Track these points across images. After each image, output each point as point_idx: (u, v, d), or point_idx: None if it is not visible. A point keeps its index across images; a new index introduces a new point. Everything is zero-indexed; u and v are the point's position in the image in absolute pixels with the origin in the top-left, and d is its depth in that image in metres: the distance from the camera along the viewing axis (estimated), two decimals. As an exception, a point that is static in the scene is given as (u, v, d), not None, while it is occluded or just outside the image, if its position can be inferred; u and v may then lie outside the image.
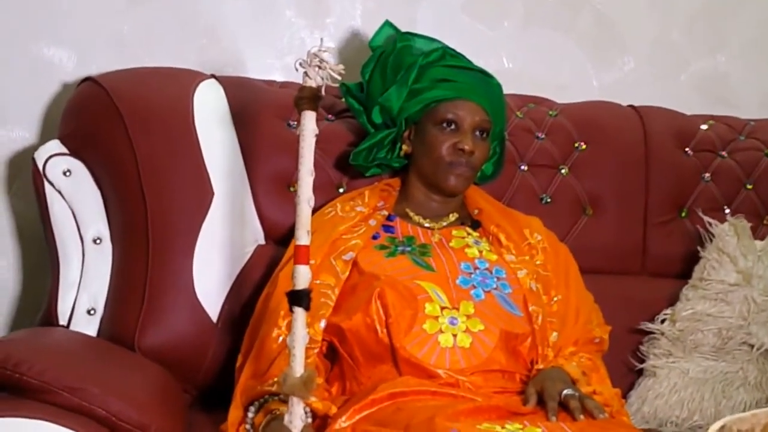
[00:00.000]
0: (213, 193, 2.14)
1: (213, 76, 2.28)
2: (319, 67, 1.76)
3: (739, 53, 2.71)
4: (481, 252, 2.09)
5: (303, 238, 1.79)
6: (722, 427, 1.24)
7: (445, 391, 1.89)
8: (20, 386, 1.70)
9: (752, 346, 2.25)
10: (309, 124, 1.77)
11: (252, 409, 1.89)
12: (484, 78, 2.20)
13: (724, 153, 2.48)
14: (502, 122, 2.24)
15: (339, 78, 1.75)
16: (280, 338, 1.94)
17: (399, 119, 2.16)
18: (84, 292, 2.12)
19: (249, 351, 1.99)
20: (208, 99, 2.21)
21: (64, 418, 1.63)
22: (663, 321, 2.30)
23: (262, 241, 2.23)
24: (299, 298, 1.78)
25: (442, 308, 1.97)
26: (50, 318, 2.11)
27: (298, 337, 1.78)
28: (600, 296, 2.20)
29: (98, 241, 2.15)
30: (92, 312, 2.12)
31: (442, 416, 1.74)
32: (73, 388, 1.69)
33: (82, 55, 2.35)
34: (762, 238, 2.35)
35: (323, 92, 1.76)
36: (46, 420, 1.62)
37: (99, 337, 2.11)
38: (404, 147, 2.17)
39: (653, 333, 2.30)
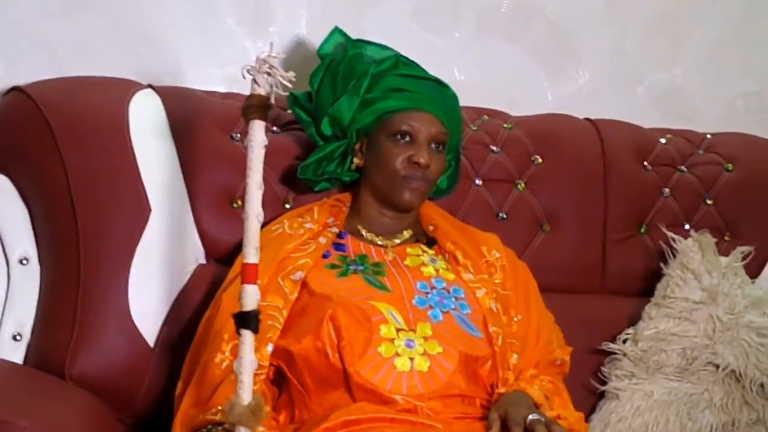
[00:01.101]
0: (150, 210, 2.03)
1: (150, 86, 2.17)
2: (269, 74, 1.67)
3: (696, 66, 2.67)
4: (437, 271, 2.00)
5: (251, 255, 1.69)
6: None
7: (403, 418, 1.78)
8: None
9: (718, 366, 2.18)
10: (258, 134, 1.69)
11: (193, 441, 1.77)
12: (440, 88, 2.11)
13: (683, 167, 2.43)
14: (458, 134, 2.15)
15: (290, 85, 1.69)
16: (224, 364, 1.83)
17: (350, 131, 2.06)
18: (9, 317, 2.00)
19: (190, 378, 1.87)
20: (144, 110, 2.11)
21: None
22: (625, 341, 2.22)
23: (203, 261, 2.12)
24: (247, 321, 1.68)
25: (398, 330, 1.88)
26: (-28, 347, 1.97)
27: (246, 362, 1.68)
28: (559, 315, 2.13)
29: (25, 262, 2.04)
30: (18, 338, 1.99)
31: (402, 445, 1.63)
32: (1, 421, 1.55)
33: (8, 63, 2.22)
34: (723, 255, 2.28)
35: (273, 100, 1.68)
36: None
37: (26, 364, 1.98)
38: (355, 160, 2.07)
39: (615, 353, 2.22)
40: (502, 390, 1.92)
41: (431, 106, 2.03)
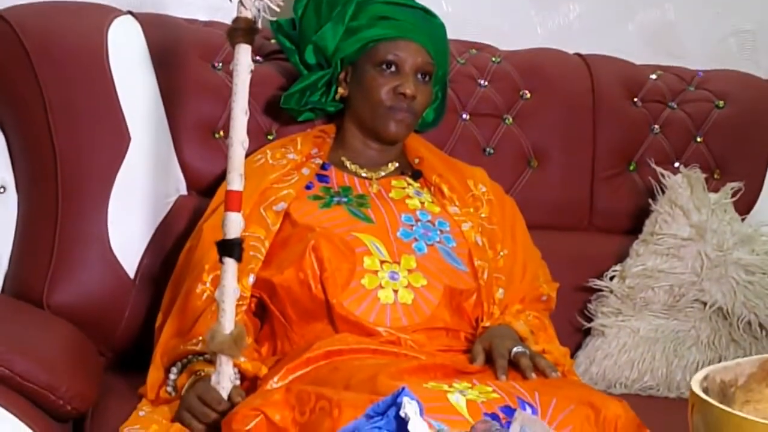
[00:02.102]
0: (130, 139, 1.98)
1: (130, 12, 2.11)
2: (256, -4, 1.63)
3: (688, 2, 2.61)
4: (422, 203, 1.97)
5: (235, 182, 1.67)
6: (705, 377, 1.12)
7: (386, 350, 1.76)
8: None
9: (705, 304, 2.16)
10: (243, 58, 1.66)
11: (174, 370, 1.75)
12: (427, 17, 2.05)
13: (673, 104, 2.38)
14: (446, 65, 2.10)
15: (277, 9, 1.67)
16: (205, 294, 1.81)
17: (334, 60, 2.01)
18: (-13, 246, 1.96)
19: (170, 309, 1.85)
20: (123, 37, 2.05)
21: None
22: (612, 278, 2.19)
23: (184, 192, 2.07)
24: (230, 248, 1.67)
25: (382, 262, 1.84)
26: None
27: (228, 290, 1.66)
28: (546, 252, 2.10)
29: (2, 190, 1.99)
30: (-6, 267, 1.96)
31: (385, 374, 1.60)
32: (-28, 346, 1.52)
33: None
34: (712, 192, 2.25)
35: (259, 25, 1.64)
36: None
37: (3, 293, 1.94)
38: (340, 90, 2.02)
39: (601, 291, 2.20)
40: (486, 324, 1.89)
41: (418, 35, 1.98)
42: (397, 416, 1.26)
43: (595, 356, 2.15)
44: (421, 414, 1.27)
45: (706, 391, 1.08)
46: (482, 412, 1.49)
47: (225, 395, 1.65)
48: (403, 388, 1.28)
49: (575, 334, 2.20)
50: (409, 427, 1.24)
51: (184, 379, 1.72)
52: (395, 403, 1.27)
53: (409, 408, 1.25)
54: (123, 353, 1.98)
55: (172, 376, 1.74)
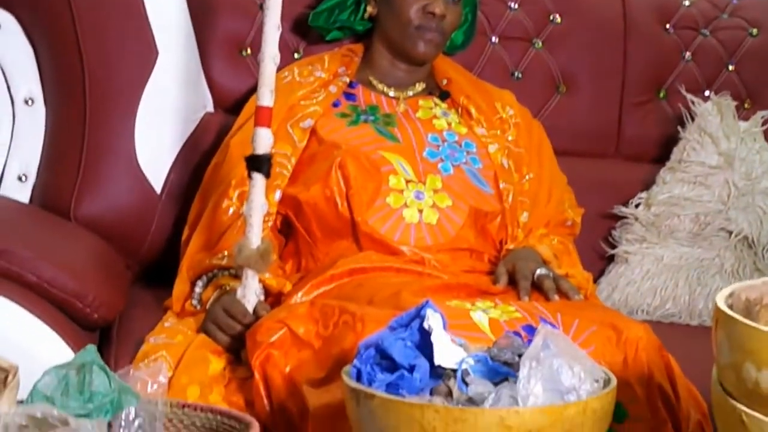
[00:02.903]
0: (157, 53, 1.98)
1: (160, -75, 2.09)
2: None
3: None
4: (449, 124, 1.95)
5: (266, 98, 1.66)
6: (731, 295, 1.11)
7: (409, 268, 1.76)
8: (-64, 247, 1.53)
9: (730, 233, 2.14)
10: None
11: (200, 283, 1.77)
12: (458, -66, 2.02)
13: (706, 31, 2.34)
14: (476, -14, 2.07)
15: None
16: (231, 210, 1.81)
17: (363, -23, 1.99)
18: (14, 157, 1.97)
19: (196, 223, 1.86)
20: (152, -51, 2.03)
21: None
22: (637, 205, 2.18)
23: (211, 109, 2.08)
24: (259, 164, 1.67)
25: (408, 182, 1.84)
26: (-23, 184, 1.95)
27: (256, 205, 1.66)
28: (572, 178, 2.09)
29: (30, 102, 1.99)
30: (24, 179, 1.97)
31: (408, 291, 1.61)
32: (2, 251, 1.53)
33: None
34: (743, 121, 2.22)
35: None
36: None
37: (31, 205, 1.96)
38: (369, 8, 2.00)
39: (626, 218, 2.18)
40: (510, 246, 1.89)
41: (449, -48, 1.95)
42: (421, 328, 1.27)
43: (618, 283, 2.14)
44: (444, 327, 1.28)
45: (730, 308, 1.08)
46: (504, 330, 1.50)
47: (250, 309, 1.66)
48: (427, 301, 1.29)
49: (599, 260, 2.19)
50: (432, 338, 1.25)
51: (209, 293, 1.73)
52: (419, 316, 1.28)
53: (433, 320, 1.26)
54: (149, 267, 2.00)
55: (197, 290, 1.75)
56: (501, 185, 1.92)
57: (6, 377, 0.92)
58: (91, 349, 1.02)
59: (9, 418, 0.87)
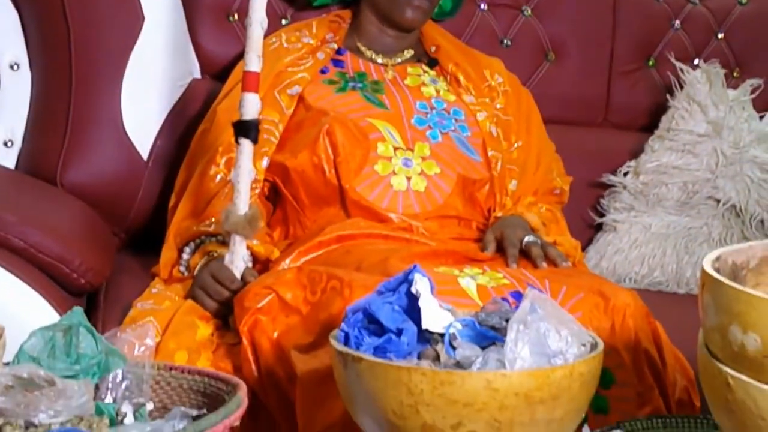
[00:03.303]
0: (143, 18, 1.96)
1: None
2: None
3: None
4: (438, 91, 1.95)
5: (253, 63, 1.65)
6: (717, 259, 1.11)
7: (397, 235, 1.76)
8: None
9: (718, 201, 2.15)
10: None
11: (187, 250, 1.76)
12: None
13: (695, -1, 2.34)
14: (465, -48, 2.06)
15: None
16: (218, 177, 1.81)
17: (352, -58, 1.97)
18: (0, 122, 1.95)
19: (183, 190, 1.85)
20: None
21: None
22: (626, 174, 2.19)
23: (198, 75, 2.07)
24: (247, 129, 1.66)
25: (396, 149, 1.84)
26: (-38, 150, 1.93)
27: (244, 171, 1.65)
28: (560, 147, 2.09)
29: (15, 67, 1.98)
30: (9, 144, 1.96)
31: (396, 258, 1.61)
32: (-16, 215, 1.52)
33: None
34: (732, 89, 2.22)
35: None
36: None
37: (17, 171, 1.95)
38: (356, -26, 1.98)
39: (615, 186, 2.19)
40: (498, 214, 1.89)
41: None
42: (408, 292, 1.26)
43: (606, 251, 2.15)
44: (432, 291, 1.27)
45: (717, 271, 1.08)
46: (492, 296, 1.50)
47: (238, 275, 1.66)
48: (415, 266, 1.28)
49: (587, 229, 2.20)
50: (420, 302, 1.24)
51: (197, 259, 1.73)
52: (406, 280, 1.27)
53: (421, 284, 1.25)
54: (136, 234, 1.99)
55: (185, 256, 1.75)
56: (489, 153, 1.91)
57: (-8, 338, 0.91)
58: (78, 311, 1.02)
59: (-5, 379, 0.87)
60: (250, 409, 1.09)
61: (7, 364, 0.96)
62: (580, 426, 1.25)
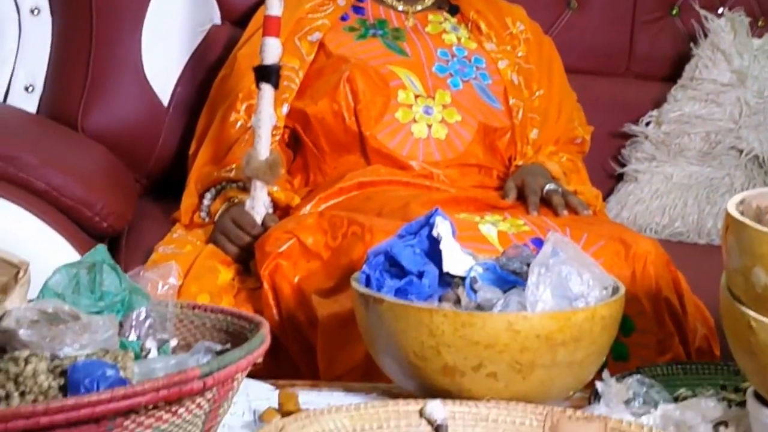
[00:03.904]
0: (164, -37, 1.95)
1: None
2: None
3: None
4: (459, 39, 1.93)
5: (274, 7, 1.65)
6: (741, 202, 1.11)
7: (418, 182, 1.76)
8: (-57, 153, 1.53)
9: (741, 151, 2.13)
10: None
11: (208, 196, 1.77)
12: None
13: (721, -55, 2.31)
14: None
15: None
16: (239, 123, 1.81)
17: None
18: (21, 68, 1.95)
19: (204, 136, 1.85)
20: None
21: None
22: (648, 123, 2.17)
23: (218, 21, 2.06)
24: (268, 74, 1.66)
25: (417, 96, 1.83)
26: (-17, 94, 1.94)
27: (265, 116, 1.65)
28: (582, 96, 2.07)
29: (36, 12, 1.97)
30: (30, 89, 1.96)
31: (417, 203, 1.60)
32: (9, 157, 1.55)
33: None
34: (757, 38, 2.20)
35: None
36: (-21, 189, 1.45)
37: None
38: None
39: (636, 136, 2.17)
40: (519, 162, 1.89)
41: None
42: (430, 236, 1.26)
43: (627, 201, 2.14)
44: (453, 235, 1.28)
45: (741, 214, 1.07)
46: (513, 242, 1.50)
47: (259, 220, 1.66)
48: (436, 209, 1.28)
49: (608, 179, 2.19)
50: (441, 246, 1.25)
51: (217, 205, 1.73)
52: (428, 224, 1.28)
53: (442, 228, 1.25)
54: (157, 180, 2.00)
55: (206, 202, 1.75)
56: (511, 101, 1.90)
57: (17, 273, 0.92)
58: (102, 249, 1.02)
59: (20, 313, 0.88)
60: (270, 353, 1.10)
61: (30, 301, 0.97)
62: (600, 372, 1.24)
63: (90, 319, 0.89)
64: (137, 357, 0.93)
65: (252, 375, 1.07)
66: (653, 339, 1.52)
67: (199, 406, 0.87)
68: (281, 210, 1.74)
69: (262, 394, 1.19)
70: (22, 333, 0.86)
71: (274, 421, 1.02)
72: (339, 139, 1.81)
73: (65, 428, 0.79)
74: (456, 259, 1.25)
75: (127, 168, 1.91)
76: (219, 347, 0.97)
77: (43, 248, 1.51)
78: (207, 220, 1.74)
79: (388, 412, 1.08)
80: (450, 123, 1.83)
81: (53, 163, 1.59)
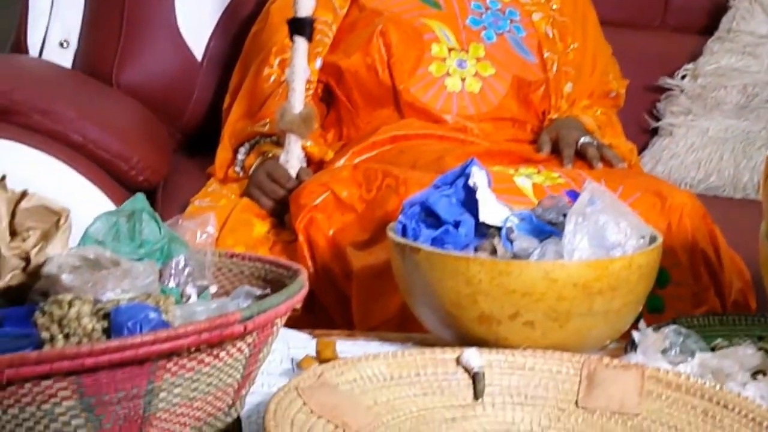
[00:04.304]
0: None
1: None
2: None
3: None
4: (492, -10, 1.91)
5: (308, -43, 1.63)
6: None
7: (452, 136, 1.75)
8: (-14, 106, 1.54)
9: (778, 104, 2.11)
10: None
11: (242, 150, 1.77)
12: None
13: None
14: None
15: None
16: (272, 78, 1.80)
17: None
18: (56, 22, 1.96)
19: (237, 91, 1.85)
20: None
21: (37, 141, 1.48)
22: (683, 77, 2.14)
23: (251, -24, 2.04)
24: (302, 27, 1.65)
25: (450, 50, 1.81)
26: (19, 50, 1.95)
27: (299, 69, 1.65)
28: (617, 50, 2.05)
29: (69, -33, 1.98)
30: (65, 44, 1.96)
31: (451, 156, 1.60)
32: (46, 111, 1.55)
33: None
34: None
35: None
36: (17, 141, 1.46)
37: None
38: None
39: (672, 90, 2.15)
40: (554, 116, 1.88)
41: None
42: (466, 186, 1.26)
43: (662, 156, 2.12)
44: (489, 185, 1.27)
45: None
46: (548, 194, 1.49)
47: (293, 174, 1.67)
48: (472, 159, 1.28)
49: (642, 134, 2.17)
50: (477, 195, 1.24)
51: (252, 159, 1.74)
52: (464, 174, 1.27)
53: (478, 177, 1.25)
54: (191, 135, 2.01)
55: (240, 156, 1.76)
56: (545, 54, 1.89)
57: (58, 220, 0.93)
58: (141, 197, 1.03)
59: (62, 259, 0.89)
60: (306, 306, 1.11)
61: (72, 249, 0.97)
62: (635, 323, 1.24)
63: (131, 265, 0.90)
64: (178, 303, 0.94)
65: (288, 326, 1.07)
66: (689, 291, 1.51)
67: (239, 350, 0.88)
68: (315, 164, 1.74)
69: (299, 343, 1.20)
70: (65, 278, 0.86)
71: (312, 367, 1.03)
72: (372, 93, 1.80)
73: (108, 370, 0.80)
74: (492, 209, 1.25)
75: (162, 123, 1.91)
76: (259, 292, 0.98)
77: (80, 201, 1.51)
78: (241, 174, 1.75)
79: (425, 360, 1.08)
80: (484, 76, 1.82)
81: (90, 116, 1.60)
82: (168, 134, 1.94)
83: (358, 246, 1.50)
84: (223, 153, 1.78)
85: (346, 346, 1.21)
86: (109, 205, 1.54)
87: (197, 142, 1.97)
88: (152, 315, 0.82)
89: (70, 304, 0.82)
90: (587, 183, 1.22)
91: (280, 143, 1.71)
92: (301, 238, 1.54)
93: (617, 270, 1.13)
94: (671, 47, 2.21)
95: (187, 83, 1.96)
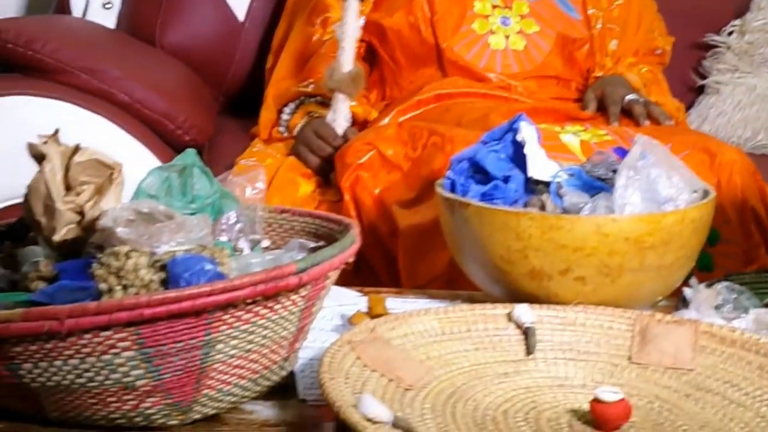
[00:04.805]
0: None
1: None
2: None
3: None
4: (537, -53, 1.88)
5: None
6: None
7: (496, 94, 1.74)
8: (33, 65, 1.56)
9: (829, 58, 2.07)
10: None
11: (287, 110, 1.77)
12: None
13: None
14: None
15: None
16: (315, 37, 1.80)
17: None
18: (99, -17, 1.96)
19: (280, 51, 1.85)
20: None
21: (83, 100, 1.48)
22: (730, 33, 2.11)
23: (294, -66, 2.02)
24: (353, -14, 1.63)
25: (494, 7, 1.80)
26: (62, 10, 1.95)
27: (349, 28, 1.64)
28: (662, 6, 2.01)
29: (110, -73, 1.98)
30: (109, 5, 1.97)
31: (497, 114, 1.59)
32: (93, 70, 1.55)
33: None
34: None
35: None
36: (64, 100, 1.47)
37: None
38: None
39: (718, 47, 2.12)
40: (599, 74, 1.85)
41: None
42: (514, 141, 1.25)
43: (708, 114, 2.09)
44: (538, 140, 1.26)
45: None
46: (595, 151, 1.47)
47: (340, 133, 1.66)
48: (521, 114, 1.27)
49: (688, 92, 2.14)
50: (526, 150, 1.23)
51: (296, 119, 1.74)
52: (511, 129, 1.26)
53: (526, 132, 1.24)
54: (234, 96, 2.00)
55: (284, 116, 1.76)
56: (589, 11, 1.86)
57: (111, 174, 0.93)
58: (192, 152, 1.03)
59: (117, 213, 0.89)
60: (353, 265, 1.10)
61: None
62: (686, 279, 1.23)
63: (184, 219, 0.90)
64: (231, 256, 0.94)
65: (337, 284, 1.07)
66: (739, 249, 1.50)
67: (294, 302, 0.88)
68: (359, 124, 1.74)
69: (349, 300, 1.20)
70: (120, 231, 0.87)
71: (364, 322, 1.03)
72: (415, 52, 1.79)
73: (166, 321, 0.80)
74: (541, 165, 1.23)
75: (205, 84, 1.91)
76: (312, 244, 0.98)
77: (128, 157, 1.51)
78: (286, 134, 1.75)
79: (475, 315, 1.08)
80: (528, 34, 1.80)
81: (136, 76, 1.61)
82: (211, 95, 1.94)
83: (404, 204, 1.50)
84: (266, 113, 1.78)
85: (396, 303, 1.21)
86: (156, 164, 1.53)
87: (240, 103, 1.97)
88: (208, 267, 0.82)
89: (128, 255, 0.83)
90: (638, 137, 1.21)
91: (325, 104, 1.70)
92: (347, 197, 1.54)
93: (669, 224, 1.12)
94: (718, 3, 2.18)
95: (229, 44, 1.96)
